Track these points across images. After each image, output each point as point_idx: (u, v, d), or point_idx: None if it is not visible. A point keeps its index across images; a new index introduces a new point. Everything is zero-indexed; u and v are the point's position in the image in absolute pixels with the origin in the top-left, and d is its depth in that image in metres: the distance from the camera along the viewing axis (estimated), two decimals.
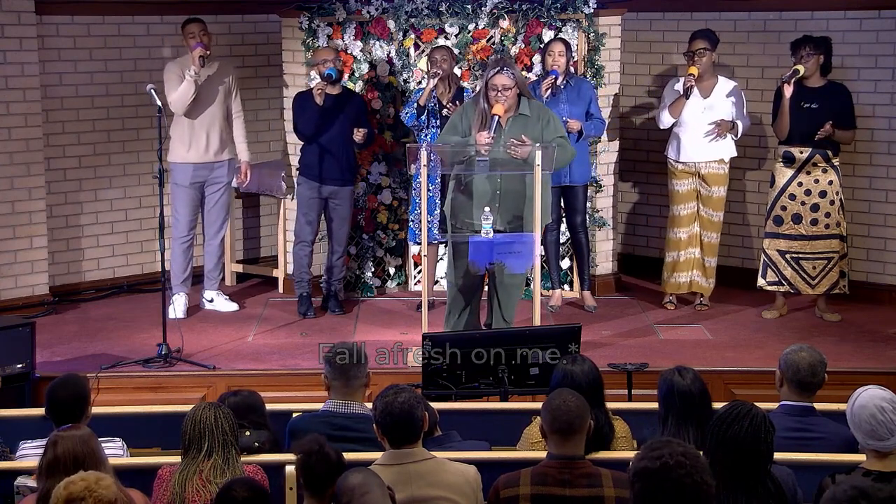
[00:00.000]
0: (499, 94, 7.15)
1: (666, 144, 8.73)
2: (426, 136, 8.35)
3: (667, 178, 8.77)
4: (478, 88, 7.51)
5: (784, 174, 8.34)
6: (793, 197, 8.33)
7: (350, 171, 8.54)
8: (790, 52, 8.34)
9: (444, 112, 8.36)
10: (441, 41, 8.89)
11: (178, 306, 8.49)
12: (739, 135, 8.56)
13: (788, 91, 8.16)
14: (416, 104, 8.36)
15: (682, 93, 8.45)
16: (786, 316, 8.58)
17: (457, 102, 8.32)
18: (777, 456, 4.26)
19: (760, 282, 8.52)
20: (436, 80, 8.30)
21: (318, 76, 8.44)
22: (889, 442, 4.32)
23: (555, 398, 4.43)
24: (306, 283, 8.60)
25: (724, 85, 8.59)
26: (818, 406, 5.09)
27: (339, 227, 8.58)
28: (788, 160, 8.32)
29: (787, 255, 8.39)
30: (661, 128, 8.68)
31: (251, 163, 8.75)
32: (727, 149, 8.60)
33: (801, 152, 8.28)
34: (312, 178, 8.45)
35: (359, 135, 8.37)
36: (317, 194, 8.46)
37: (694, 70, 8.37)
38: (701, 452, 3.57)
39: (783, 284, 8.44)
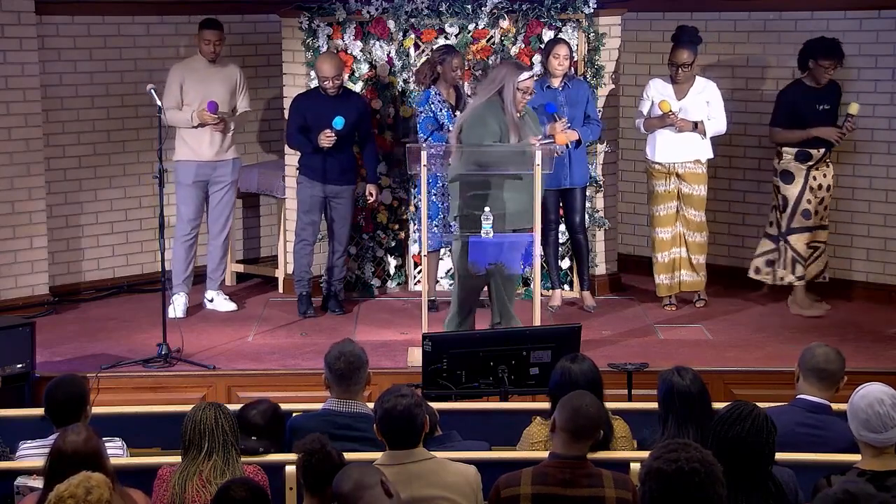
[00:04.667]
0: (526, 96, 7.35)
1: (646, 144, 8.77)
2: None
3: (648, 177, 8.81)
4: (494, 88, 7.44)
5: (801, 170, 8.41)
6: (811, 191, 8.44)
7: (351, 171, 8.54)
8: (807, 56, 8.34)
9: (457, 114, 8.40)
10: (441, 41, 8.89)
11: (177, 306, 8.49)
12: (708, 135, 8.55)
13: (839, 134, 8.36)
14: (435, 125, 8.34)
15: (662, 123, 8.48)
16: (786, 316, 8.58)
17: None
18: (778, 456, 4.26)
19: (790, 277, 8.55)
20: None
21: (316, 77, 8.44)
22: (883, 436, 4.31)
23: (576, 398, 4.41)
24: (307, 282, 8.60)
25: (700, 85, 8.60)
26: None
27: (341, 226, 8.58)
28: (805, 158, 8.38)
29: (808, 247, 8.54)
30: (641, 129, 8.71)
31: (230, 125, 8.62)
32: (703, 150, 8.60)
33: (819, 150, 8.40)
34: (313, 178, 8.44)
35: (371, 197, 8.58)
36: (318, 194, 8.46)
37: (666, 106, 8.41)
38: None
39: (803, 278, 8.59)
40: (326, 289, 8.71)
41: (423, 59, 8.92)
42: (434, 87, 8.42)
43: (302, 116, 8.41)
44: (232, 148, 8.66)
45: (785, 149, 8.45)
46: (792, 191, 8.45)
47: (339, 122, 8.20)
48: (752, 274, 8.72)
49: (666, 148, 8.55)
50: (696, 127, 8.50)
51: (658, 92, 8.57)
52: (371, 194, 8.59)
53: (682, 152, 8.56)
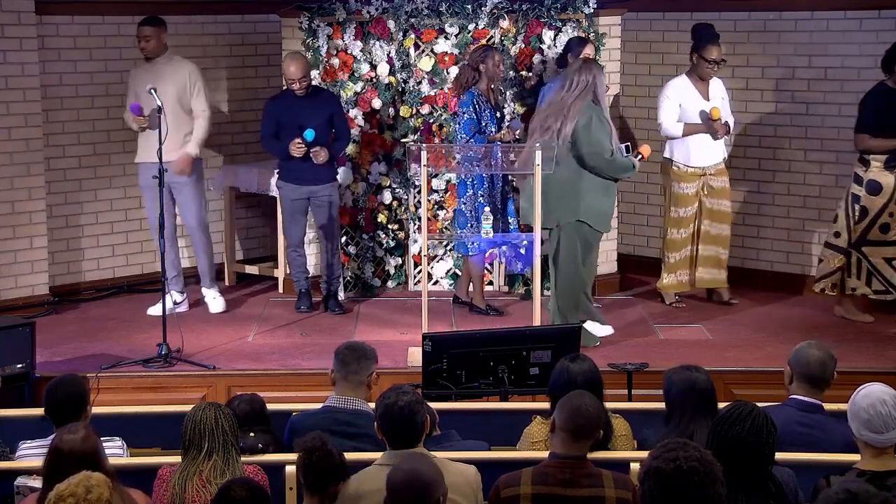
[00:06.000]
0: None
1: (667, 148, 8.69)
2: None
3: (666, 179, 8.75)
4: (582, 86, 7.55)
5: (888, 179, 8.11)
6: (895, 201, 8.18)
7: (329, 169, 8.48)
8: (894, 59, 8.06)
9: (498, 115, 8.47)
10: (441, 41, 8.89)
11: (158, 306, 8.39)
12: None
13: None
14: (477, 127, 8.32)
15: (706, 130, 8.44)
16: (786, 315, 8.58)
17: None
18: (778, 456, 4.27)
19: (864, 289, 8.29)
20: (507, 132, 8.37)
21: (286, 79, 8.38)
22: (883, 436, 4.32)
23: (576, 398, 4.42)
24: (304, 280, 8.63)
25: (716, 85, 8.62)
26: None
27: (327, 225, 8.53)
28: (895, 164, 8.13)
29: (894, 262, 8.23)
30: (668, 136, 8.62)
31: (193, 155, 8.40)
32: (725, 148, 8.68)
33: None
34: (292, 180, 8.45)
35: (320, 155, 8.29)
36: (299, 196, 8.47)
37: (717, 113, 8.37)
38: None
39: (891, 293, 8.26)
40: (326, 289, 8.70)
41: (424, 58, 8.93)
42: (475, 89, 8.38)
43: (275, 120, 8.44)
44: (182, 148, 8.42)
45: (872, 156, 8.12)
46: (877, 202, 8.13)
47: (309, 134, 8.23)
48: (817, 289, 8.46)
49: (702, 153, 8.51)
50: (728, 129, 8.55)
51: (680, 93, 8.49)
52: (317, 153, 8.29)
53: (714, 155, 8.57)
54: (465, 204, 8.46)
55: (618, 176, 7.73)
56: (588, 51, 8.40)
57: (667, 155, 8.68)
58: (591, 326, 7.80)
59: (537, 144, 7.29)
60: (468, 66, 8.45)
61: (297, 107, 8.33)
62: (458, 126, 8.42)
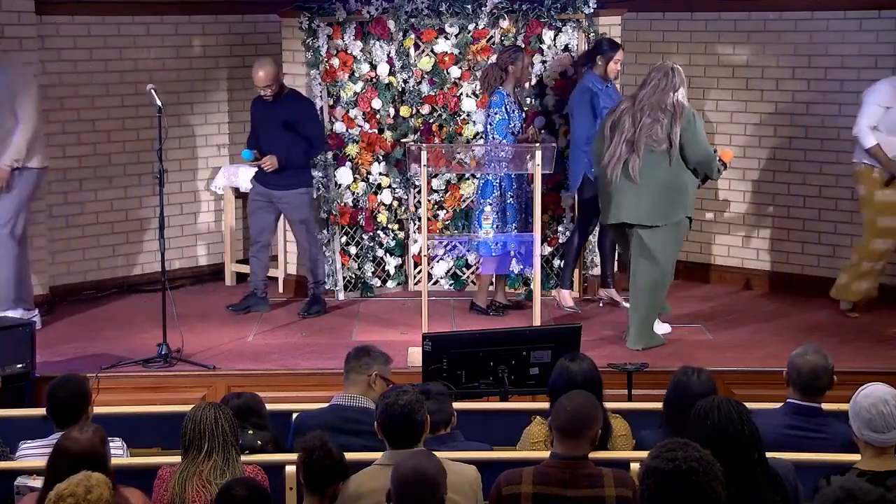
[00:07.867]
0: None
1: (864, 153, 8.22)
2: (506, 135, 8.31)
3: (867, 186, 8.29)
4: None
5: None
6: None
7: (294, 175, 8.42)
8: None
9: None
10: (441, 41, 8.89)
11: None
12: None
13: None
14: (508, 127, 8.29)
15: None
16: (786, 315, 8.58)
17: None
18: (777, 456, 4.26)
19: None
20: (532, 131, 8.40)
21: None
22: (884, 436, 4.33)
23: (568, 397, 4.45)
24: (259, 281, 8.61)
25: None
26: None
27: (297, 229, 8.54)
28: None
29: None
30: (862, 141, 8.18)
31: (6, 168, 7.89)
32: None
33: None
34: (260, 182, 8.51)
35: (266, 163, 8.28)
36: (261, 197, 8.52)
37: None
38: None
39: None
40: (311, 292, 8.65)
41: (424, 58, 8.93)
42: (503, 89, 8.35)
43: (252, 121, 8.58)
44: (5, 156, 7.99)
45: None
46: None
47: (246, 154, 8.39)
48: None
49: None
50: None
51: (888, 98, 8.15)
52: (265, 162, 8.30)
53: None
54: (490, 205, 8.32)
55: (712, 175, 7.80)
56: (619, 56, 8.43)
57: (866, 161, 8.23)
58: (656, 326, 7.87)
59: (537, 144, 7.28)
60: (496, 66, 8.39)
61: (265, 112, 8.40)
62: (489, 126, 8.35)
